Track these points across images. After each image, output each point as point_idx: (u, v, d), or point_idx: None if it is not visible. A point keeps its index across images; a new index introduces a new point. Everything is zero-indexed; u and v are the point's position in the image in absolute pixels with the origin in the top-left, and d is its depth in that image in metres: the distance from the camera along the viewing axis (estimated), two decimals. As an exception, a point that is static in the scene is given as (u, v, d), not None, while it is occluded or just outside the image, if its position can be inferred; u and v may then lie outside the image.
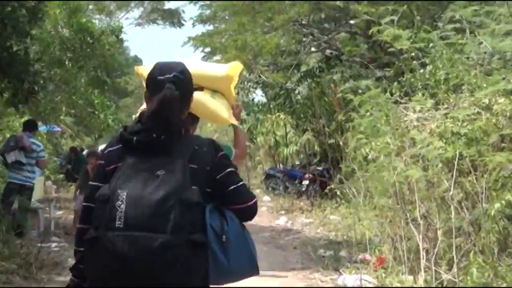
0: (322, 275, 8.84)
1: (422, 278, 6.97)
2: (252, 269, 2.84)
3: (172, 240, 2.50)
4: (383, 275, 7.98)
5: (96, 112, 21.18)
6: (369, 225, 9.29)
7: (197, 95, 4.32)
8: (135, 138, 2.70)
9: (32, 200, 11.37)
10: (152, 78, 2.87)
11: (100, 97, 21.68)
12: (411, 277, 7.44)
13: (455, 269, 6.63)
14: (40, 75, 11.19)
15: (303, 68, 20.20)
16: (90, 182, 2.83)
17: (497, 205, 6.35)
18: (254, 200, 2.88)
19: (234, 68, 4.93)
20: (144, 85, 3.57)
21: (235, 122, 4.89)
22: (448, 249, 7.14)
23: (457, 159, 6.71)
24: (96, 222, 2.61)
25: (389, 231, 8.44)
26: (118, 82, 41.41)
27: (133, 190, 2.56)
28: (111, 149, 2.81)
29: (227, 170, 2.84)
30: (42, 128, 21.43)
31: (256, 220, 11.15)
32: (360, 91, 10.20)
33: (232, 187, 2.83)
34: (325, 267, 9.14)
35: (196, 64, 4.94)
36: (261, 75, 19.79)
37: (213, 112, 4.75)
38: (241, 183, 2.88)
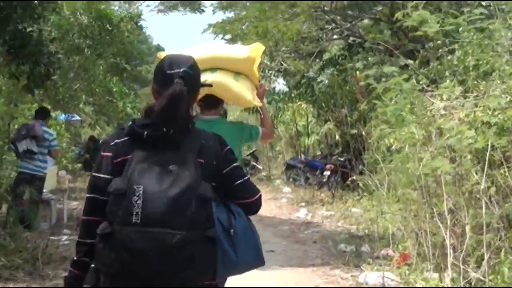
0: (343, 271, 8.42)
1: (448, 276, 6.52)
2: (259, 261, 2.90)
3: (189, 236, 2.53)
4: (407, 272, 7.56)
5: (114, 100, 20.97)
6: (392, 218, 8.85)
7: (220, 78, 4.77)
8: (146, 132, 2.71)
9: (44, 190, 11.07)
10: (161, 72, 2.86)
11: (118, 85, 21.45)
12: (436, 275, 7.01)
13: (485, 267, 6.18)
14: (55, 57, 10.82)
15: (326, 56, 19.72)
16: (96, 174, 2.79)
17: (530, 199, 5.91)
18: (259, 194, 2.96)
19: (256, 49, 5.03)
20: None
21: (259, 104, 5.02)
22: (476, 246, 6.71)
23: (489, 150, 6.24)
24: (110, 217, 2.59)
25: (413, 225, 8.00)
26: (139, 71, 41.38)
27: (149, 185, 2.57)
28: (118, 141, 2.79)
29: (233, 165, 2.90)
30: (61, 117, 21.27)
31: (275, 213, 10.91)
32: (383, 79, 9.75)
33: (238, 181, 2.90)
34: (346, 263, 8.72)
35: (219, 47, 5.20)
36: (283, 63, 19.29)
37: (237, 94, 4.87)
38: (246, 177, 2.95)
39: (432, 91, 7.99)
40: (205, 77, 4.73)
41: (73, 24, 18.76)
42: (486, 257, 6.17)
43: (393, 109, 7.96)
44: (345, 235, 11.11)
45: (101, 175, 2.75)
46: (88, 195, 2.79)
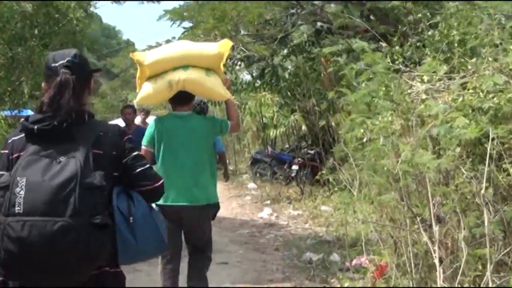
0: (306, 289, 7.08)
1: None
2: (161, 248, 3.02)
3: (71, 223, 2.60)
4: (384, 289, 6.26)
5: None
6: (365, 222, 7.53)
7: (193, 75, 5.23)
8: (36, 127, 2.82)
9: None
10: (47, 67, 2.98)
11: (70, 78, 20.02)
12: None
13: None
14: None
15: (292, 43, 18.40)
16: None
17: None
18: (160, 181, 3.06)
19: (225, 45, 5.46)
20: (138, 71, 5.42)
21: (231, 97, 5.52)
22: (472, 260, 5.40)
23: (490, 141, 4.91)
24: None
25: (391, 231, 6.69)
26: (103, 64, 40.40)
27: (33, 176, 2.66)
28: (15, 138, 2.95)
29: (133, 154, 3.02)
30: (6, 112, 19.78)
31: (237, 213, 9.31)
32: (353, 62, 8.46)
33: (139, 169, 3.01)
34: (311, 278, 7.40)
35: (189, 45, 5.61)
36: (244, 50, 17.82)
37: (210, 90, 5.35)
38: (147, 165, 3.05)
39: (411, 71, 6.72)
40: (178, 75, 5.27)
41: (15, 12, 17.30)
42: (489, 274, 4.85)
43: (362, 94, 6.64)
44: (312, 240, 9.78)
45: None
46: None
